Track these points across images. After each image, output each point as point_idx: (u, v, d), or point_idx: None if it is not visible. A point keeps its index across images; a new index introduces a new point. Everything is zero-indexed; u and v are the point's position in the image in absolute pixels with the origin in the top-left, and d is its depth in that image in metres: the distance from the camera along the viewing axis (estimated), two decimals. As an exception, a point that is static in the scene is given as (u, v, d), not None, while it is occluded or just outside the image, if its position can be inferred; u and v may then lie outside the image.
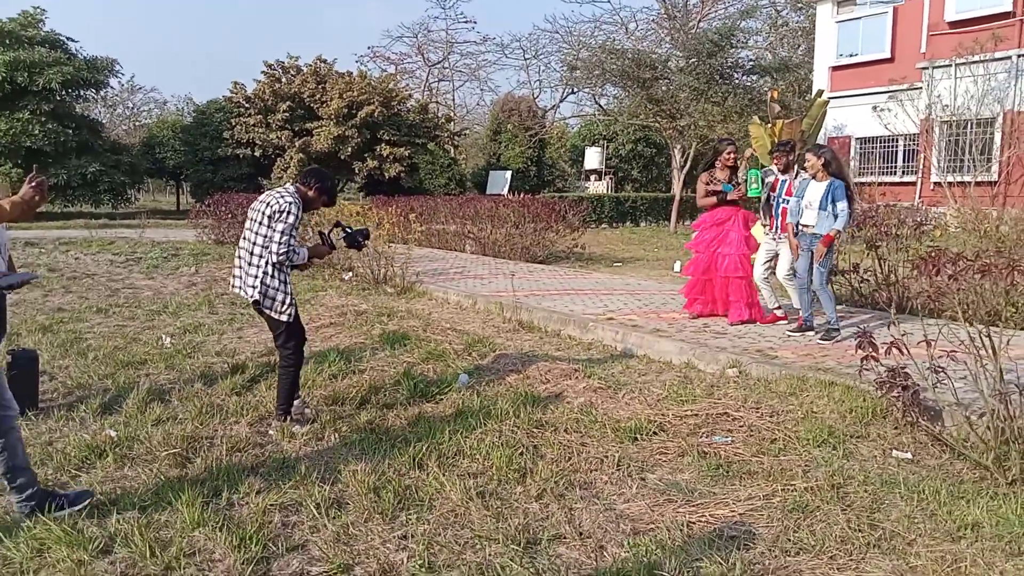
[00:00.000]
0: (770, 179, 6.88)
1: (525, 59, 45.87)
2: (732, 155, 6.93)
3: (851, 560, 2.86)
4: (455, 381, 5.33)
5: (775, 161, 6.81)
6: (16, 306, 8.53)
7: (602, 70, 23.28)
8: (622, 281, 10.69)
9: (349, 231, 4.76)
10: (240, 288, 4.40)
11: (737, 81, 21.43)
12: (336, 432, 4.34)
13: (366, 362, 5.90)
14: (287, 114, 30.84)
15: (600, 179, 35.69)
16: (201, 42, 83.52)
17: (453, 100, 51.03)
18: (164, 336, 6.82)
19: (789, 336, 6.48)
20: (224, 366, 5.76)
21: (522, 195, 17.14)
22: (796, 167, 6.72)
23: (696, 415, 4.56)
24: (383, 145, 30.77)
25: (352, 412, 4.73)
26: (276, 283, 4.30)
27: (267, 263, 4.27)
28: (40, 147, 25.60)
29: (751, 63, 22.22)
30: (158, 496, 3.41)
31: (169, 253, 13.46)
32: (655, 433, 4.33)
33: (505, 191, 29.31)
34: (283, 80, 32.18)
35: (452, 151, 38.19)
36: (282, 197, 4.31)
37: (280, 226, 4.22)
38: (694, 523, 3.25)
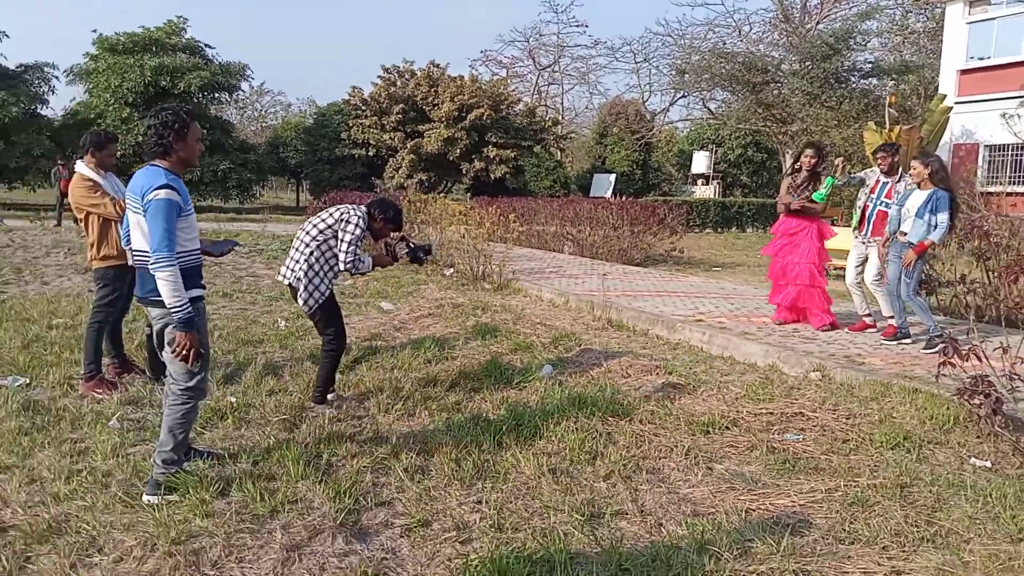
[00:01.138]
0: (871, 180, 6.78)
1: (635, 63, 45.71)
2: (811, 159, 6.88)
3: (902, 552, 2.95)
4: (540, 371, 5.62)
5: (879, 162, 6.70)
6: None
7: (711, 74, 22.99)
8: (717, 285, 10.67)
9: (412, 246, 5.11)
10: (284, 276, 4.74)
11: (853, 85, 20.64)
12: (427, 410, 4.73)
13: (458, 350, 6.29)
14: (400, 116, 32.12)
15: (707, 183, 35.15)
16: (324, 47, 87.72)
17: (562, 103, 51.43)
18: (280, 319, 7.47)
19: (882, 344, 6.39)
20: (331, 348, 6.29)
21: (623, 198, 17.29)
22: (900, 170, 6.60)
23: (771, 413, 4.66)
24: (490, 147, 31.51)
25: (443, 394, 5.10)
26: (312, 275, 4.61)
27: (312, 256, 4.61)
28: (178, 146, 27.80)
29: (869, 65, 21.32)
30: (268, 453, 3.88)
31: (287, 246, 14.45)
32: (727, 428, 4.47)
33: (608, 194, 29.39)
34: (398, 84, 33.53)
35: (558, 154, 38.59)
36: (352, 212, 4.68)
37: (347, 236, 4.58)
38: (753, 510, 3.40)
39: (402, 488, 3.54)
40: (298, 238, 4.75)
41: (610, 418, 4.60)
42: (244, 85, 33.37)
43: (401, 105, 32.17)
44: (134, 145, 27.27)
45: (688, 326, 7.13)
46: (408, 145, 31.62)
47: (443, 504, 3.38)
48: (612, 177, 32.73)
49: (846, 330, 6.94)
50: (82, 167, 4.94)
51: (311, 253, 4.61)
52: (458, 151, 31.24)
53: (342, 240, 4.61)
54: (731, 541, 3.00)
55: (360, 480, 3.58)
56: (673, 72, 27.87)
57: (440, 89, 32.02)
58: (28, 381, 5.10)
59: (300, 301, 4.63)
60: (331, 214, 4.70)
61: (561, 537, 3.07)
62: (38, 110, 29.55)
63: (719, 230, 25.76)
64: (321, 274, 4.64)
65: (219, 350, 6.18)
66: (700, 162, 35.45)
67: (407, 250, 5.08)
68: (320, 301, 4.64)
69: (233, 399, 4.81)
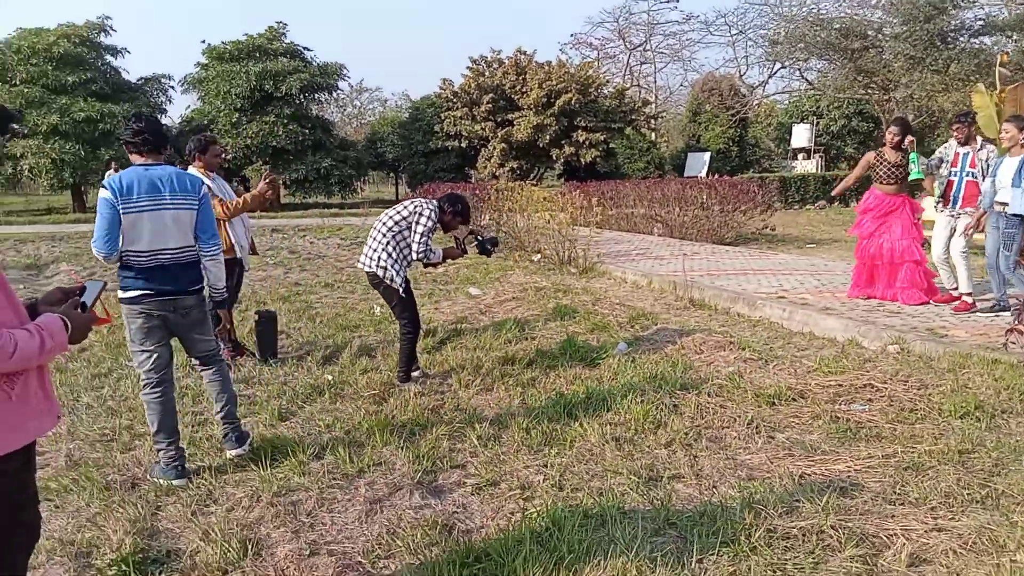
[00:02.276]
0: (949, 155, 6.60)
1: (731, 35, 44.27)
2: (895, 136, 6.74)
3: (950, 512, 3.03)
4: (614, 349, 5.84)
5: (956, 133, 6.52)
6: (263, 280, 10.29)
7: (805, 43, 22.15)
8: (807, 262, 10.49)
9: (480, 239, 5.49)
10: (363, 264, 5.15)
11: (962, 45, 19.41)
12: (504, 385, 5.06)
13: (538, 331, 6.59)
14: (490, 106, 32.57)
15: (809, 157, 33.87)
16: (418, 42, 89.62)
17: (654, 82, 50.54)
18: (375, 306, 7.99)
19: (970, 316, 6.24)
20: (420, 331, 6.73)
21: (717, 176, 17.04)
22: (979, 139, 6.40)
23: (840, 385, 4.71)
24: (579, 131, 31.52)
25: (520, 371, 5.42)
26: (391, 262, 5.00)
27: (388, 246, 4.99)
28: (283, 146, 29.37)
29: (980, 23, 19.95)
30: (359, 424, 4.31)
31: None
32: (794, 399, 4.57)
33: (703, 173, 28.87)
34: (486, 74, 33.97)
35: (651, 134, 38.11)
36: (425, 205, 5.07)
37: (420, 228, 4.97)
38: (808, 475, 3.54)
39: (475, 453, 3.88)
40: (375, 229, 5.14)
41: (678, 391, 4.78)
42: (342, 84, 34.65)
43: (490, 95, 32.63)
44: (244, 147, 28.98)
45: (769, 303, 7.15)
46: (499, 134, 32.07)
47: (511, 467, 3.69)
48: (706, 156, 32.07)
49: (932, 302, 6.79)
50: (192, 171, 5.52)
51: (388, 243, 5.01)
52: (548, 137, 31.42)
53: (415, 232, 5.00)
54: (778, 500, 3.17)
55: (438, 446, 3.94)
56: (767, 43, 26.89)
57: (528, 76, 32.26)
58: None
59: (388, 281, 5.03)
60: (405, 207, 5.09)
61: (616, 496, 3.33)
62: (158, 119, 31.81)
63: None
64: (398, 262, 5.03)
65: (319, 334, 6.74)
66: (800, 135, 34.16)
67: (476, 242, 5.44)
68: (398, 287, 5.03)
69: (330, 377, 5.31)
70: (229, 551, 2.88)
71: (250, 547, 2.93)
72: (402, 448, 3.89)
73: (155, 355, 3.62)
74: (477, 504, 3.34)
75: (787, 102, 40.53)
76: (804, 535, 2.90)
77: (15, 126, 3.41)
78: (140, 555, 2.86)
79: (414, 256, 5.07)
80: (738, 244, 13.73)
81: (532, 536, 2.89)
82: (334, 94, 36.34)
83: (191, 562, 2.86)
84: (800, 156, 34.47)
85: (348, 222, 20.75)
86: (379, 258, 5.01)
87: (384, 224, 5.09)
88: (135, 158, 3.59)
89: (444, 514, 3.20)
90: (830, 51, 21.85)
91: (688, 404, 4.54)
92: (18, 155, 26.20)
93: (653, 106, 42.68)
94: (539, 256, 11.32)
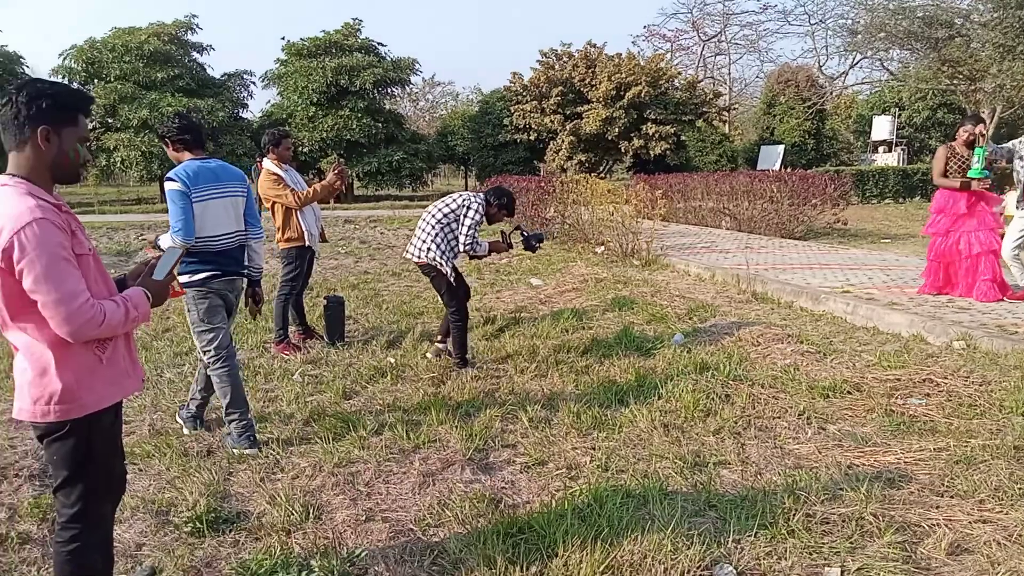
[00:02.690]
0: (1022, 149, 6.36)
1: (810, 25, 42.93)
2: (969, 134, 6.52)
3: (999, 505, 3.01)
4: (670, 339, 5.89)
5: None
6: (335, 269, 10.69)
7: (886, 32, 21.34)
8: (879, 257, 10.23)
9: (526, 235, 5.60)
10: (411, 254, 5.32)
11: (1060, 32, 18.32)
12: (558, 372, 5.19)
13: (595, 321, 6.69)
14: (559, 99, 32.57)
15: (890, 150, 32.63)
16: (489, 35, 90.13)
17: (729, 74, 49.50)
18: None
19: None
20: (480, 318, 6.91)
21: (790, 170, 16.69)
22: None
23: (898, 379, 4.65)
24: (649, 124, 31.22)
25: (575, 358, 5.53)
26: (439, 253, 5.16)
27: (437, 237, 5.16)
28: (356, 140, 30.11)
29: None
30: (417, 404, 4.52)
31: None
32: (849, 392, 4.54)
33: (776, 166, 28.18)
34: (555, 67, 33.97)
35: (724, 127, 37.38)
36: (472, 198, 5.23)
37: (468, 220, 5.13)
38: (856, 465, 3.55)
39: (526, 434, 4.02)
40: (423, 220, 5.31)
41: (731, 381, 4.81)
42: (414, 79, 35.23)
43: (559, 88, 32.63)
44: (319, 141, 29.85)
45: (833, 297, 7.04)
46: (567, 127, 32.07)
47: (559, 448, 3.82)
48: (780, 149, 31.28)
49: (1004, 298, 6.56)
50: (268, 163, 5.83)
51: (436, 235, 5.18)
52: (616, 130, 31.24)
53: (463, 224, 5.17)
54: (821, 487, 3.20)
55: (490, 426, 4.11)
56: (846, 33, 25.97)
57: (597, 69, 32.11)
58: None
59: (438, 267, 5.19)
60: (453, 199, 5.25)
61: (660, 478, 3.42)
62: (240, 114, 33.10)
63: (900, 200, 24.01)
64: (445, 253, 5.20)
65: (384, 320, 7.01)
66: (881, 128, 32.94)
67: (521, 237, 5.57)
68: (446, 272, 5.19)
69: (392, 360, 5.54)
70: (292, 514, 3.11)
71: (311, 511, 3.16)
72: (456, 427, 4.07)
73: (221, 332, 3.91)
74: (525, 481, 3.48)
75: (868, 93, 39.10)
76: (844, 521, 2.93)
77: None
78: (212, 514, 3.12)
79: (461, 248, 5.23)
80: (807, 238, 13.44)
81: (574, 511, 3.02)
82: (406, 88, 36.98)
83: (258, 522, 3.10)
84: (881, 149, 33.25)
85: (417, 214, 21.14)
86: (427, 249, 5.19)
87: (432, 216, 5.26)
88: (184, 155, 3.91)
89: (492, 489, 3.36)
90: (913, 40, 20.96)
91: (740, 394, 4.57)
92: (111, 148, 27.69)
93: (726, 98, 41.80)
94: (602, 248, 11.37)
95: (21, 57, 31.51)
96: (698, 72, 44.27)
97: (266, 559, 2.72)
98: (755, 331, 6.00)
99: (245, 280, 4.16)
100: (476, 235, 5.24)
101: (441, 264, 5.17)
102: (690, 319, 6.63)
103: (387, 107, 34.07)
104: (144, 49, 28.93)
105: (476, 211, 5.20)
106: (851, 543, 2.77)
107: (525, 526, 2.94)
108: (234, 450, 3.84)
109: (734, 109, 40.84)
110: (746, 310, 7.08)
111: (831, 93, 36.55)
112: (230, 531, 3.05)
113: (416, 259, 5.30)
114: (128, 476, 3.00)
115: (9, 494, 3.40)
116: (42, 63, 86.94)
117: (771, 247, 11.69)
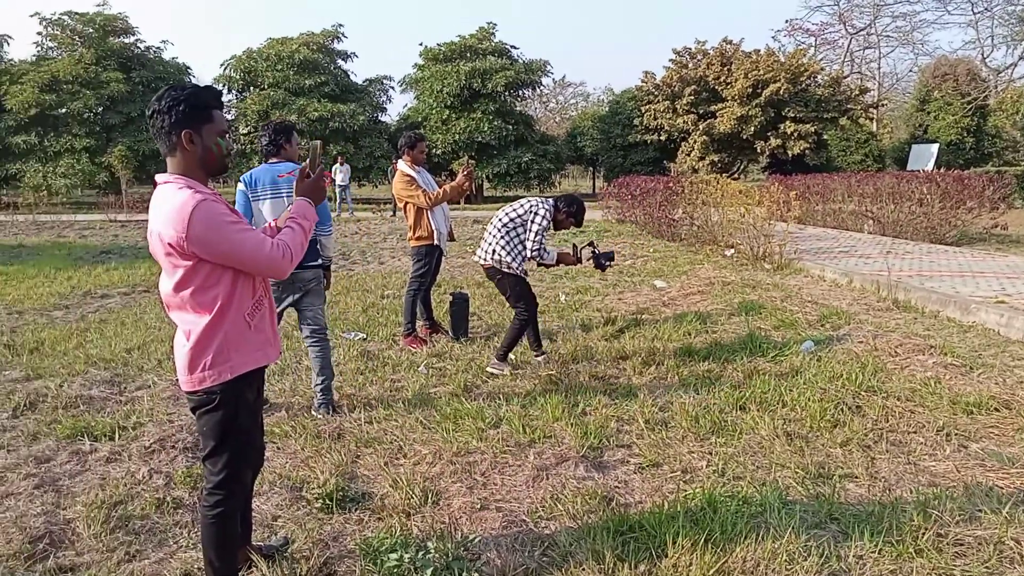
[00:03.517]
0: None
1: (973, 14, 39.52)
2: None
3: None
4: (799, 346, 5.66)
5: None
6: (462, 267, 11.02)
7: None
8: (1044, 265, 9.33)
9: (596, 252, 5.54)
10: (479, 258, 5.36)
11: None
12: (677, 374, 5.12)
13: (719, 325, 6.53)
14: (692, 98, 31.86)
15: (1065, 149, 29.60)
16: (623, 35, 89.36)
17: (878, 69, 46.54)
18: (561, 294, 8.32)
19: None
20: (601, 319, 6.93)
21: (944, 170, 15.53)
22: None
23: (1056, 399, 4.26)
24: (787, 123, 29.93)
25: (696, 362, 5.44)
26: (509, 257, 5.18)
27: (504, 240, 5.18)
28: (487, 141, 30.79)
29: None
30: (534, 399, 4.61)
31: (578, 230, 15.48)
32: (996, 410, 4.21)
33: (929, 167, 26.23)
34: (689, 65, 33.23)
35: (871, 124, 35.22)
36: (540, 204, 5.22)
37: (535, 227, 5.13)
38: (999, 486, 3.30)
39: (641, 435, 4.01)
40: (492, 224, 5.36)
41: (863, 393, 4.58)
42: (545, 80, 35.54)
43: (693, 87, 31.89)
44: (452, 143, 30.74)
45: (985, 307, 6.52)
46: (700, 127, 31.29)
47: (675, 451, 3.79)
48: (934, 148, 29.05)
49: None
50: (402, 165, 6.11)
51: (503, 239, 5.22)
52: (752, 129, 30.14)
53: (530, 230, 5.20)
54: (957, 507, 3.00)
55: (606, 425, 4.13)
56: (1015, 21, 23.75)
57: (733, 67, 31.12)
58: (365, 336, 6.48)
59: (504, 269, 5.23)
60: (521, 205, 5.27)
61: (780, 486, 3.32)
62: (379, 117, 34.70)
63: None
64: (515, 252, 5.23)
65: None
66: (1054, 123, 29.95)
67: (591, 255, 5.52)
68: (515, 270, 5.23)
69: (512, 356, 5.66)
70: (412, 497, 3.28)
71: (430, 496, 3.32)
72: (571, 424, 4.12)
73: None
74: (638, 482, 3.49)
75: (1041, 86, 35.58)
76: (980, 544, 2.74)
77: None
78: (340, 493, 3.34)
79: (528, 253, 5.24)
80: (960, 244, 12.45)
81: (686, 514, 3.00)
82: (537, 90, 37.39)
83: (381, 503, 3.29)
84: (1054, 147, 30.22)
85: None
86: (492, 251, 5.23)
87: (500, 220, 5.29)
88: (270, 160, 4.48)
89: (605, 487, 3.39)
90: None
91: (873, 406, 4.35)
92: (263, 151, 29.79)
93: (874, 94, 39.31)
94: (731, 251, 11.05)
95: (188, 68, 34.53)
96: (844, 67, 41.94)
97: (387, 538, 2.89)
98: (893, 341, 5.66)
99: (315, 272, 4.50)
100: (543, 241, 5.24)
101: (509, 265, 5.20)
102: (822, 326, 6.34)
103: (517, 109, 34.58)
104: (295, 58, 30.92)
105: (544, 217, 5.19)
106: (987, 568, 2.59)
107: (636, 525, 2.95)
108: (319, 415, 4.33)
109: (883, 106, 38.29)
110: (885, 319, 6.68)
111: (995, 87, 33.56)
112: (355, 509, 3.25)
113: (483, 262, 5.35)
114: (267, 453, 3.28)
115: (167, 463, 3.78)
116: (206, 72, 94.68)
117: (917, 253, 10.93)
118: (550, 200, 5.38)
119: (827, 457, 3.70)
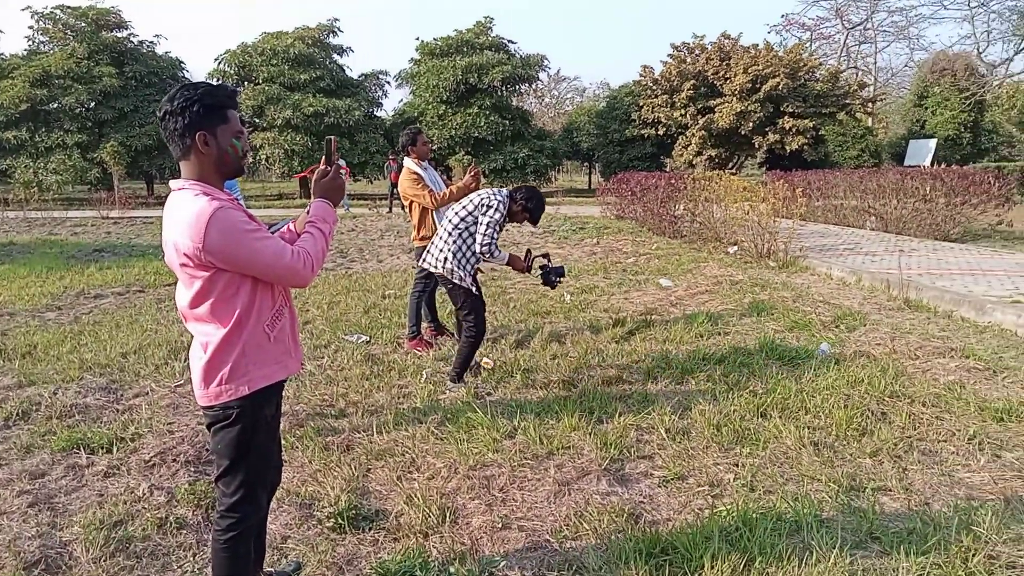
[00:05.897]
0: None
1: (970, 8, 39.37)
2: None
3: None
4: (816, 349, 5.52)
5: None
6: (463, 265, 10.82)
7: (1063, 12, 19.21)
8: (1053, 263, 9.22)
9: (548, 267, 5.15)
10: (428, 264, 4.92)
11: None
12: (694, 380, 4.97)
13: (731, 326, 6.38)
14: (691, 93, 31.71)
15: (1062, 144, 29.58)
16: (619, 29, 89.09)
17: (875, 63, 46.47)
18: (566, 294, 8.15)
19: None
20: (608, 320, 6.77)
21: (944, 166, 15.40)
22: None
23: (1089, 406, 4.13)
24: (786, 118, 29.83)
25: (712, 366, 5.28)
26: (460, 270, 4.74)
27: (455, 243, 4.75)
28: (484, 137, 30.60)
29: None
30: (549, 407, 4.45)
31: (577, 227, 15.35)
32: (1028, 417, 4.07)
33: (927, 162, 26.21)
34: (688, 60, 33.07)
35: (867, 120, 35.13)
36: (493, 196, 4.76)
37: (486, 220, 4.69)
38: (1042, 502, 3.15)
39: (663, 446, 3.86)
40: (443, 226, 4.92)
41: (887, 399, 4.44)
42: (542, 75, 35.34)
43: (691, 81, 31.73)
44: (448, 138, 30.52)
45: (1001, 307, 6.39)
46: (699, 122, 31.14)
47: (700, 463, 3.64)
48: (932, 143, 29.01)
49: None
50: (409, 162, 5.93)
51: (454, 240, 4.79)
52: (751, 124, 30.00)
53: (481, 223, 4.72)
54: (1003, 524, 2.86)
55: (626, 435, 3.97)
56: (1015, 16, 23.65)
57: (732, 62, 30.96)
58: (368, 339, 6.31)
59: (456, 280, 4.80)
60: (471, 200, 4.85)
61: (813, 503, 3.17)
62: (374, 113, 34.44)
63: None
64: (464, 259, 4.80)
65: (512, 319, 7.00)
66: (1051, 119, 29.91)
67: (540, 271, 5.18)
68: (468, 286, 4.83)
69: (522, 362, 5.50)
70: (429, 516, 3.11)
71: (448, 514, 3.15)
72: (590, 434, 3.96)
73: None
74: (664, 496, 3.33)
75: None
76: (1035, 568, 2.60)
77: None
78: (353, 511, 3.17)
79: (477, 248, 4.76)
80: (965, 241, 12.35)
81: (721, 534, 2.84)
82: (533, 85, 37.20)
83: (396, 522, 3.12)
84: (1050, 142, 30.19)
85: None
86: (444, 259, 4.80)
87: (451, 222, 4.85)
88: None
89: (631, 503, 3.23)
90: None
91: (899, 413, 4.20)
92: (257, 146, 29.51)
93: (871, 89, 39.22)
94: (735, 248, 10.91)
95: (182, 62, 34.19)
96: (840, 62, 41.83)
97: (405, 561, 2.73)
98: (912, 343, 5.53)
99: None
100: (495, 237, 4.77)
101: (461, 275, 4.78)
102: (836, 328, 6.20)
103: (514, 104, 34.39)
104: (290, 52, 30.62)
105: (496, 209, 4.74)
106: (1046, 595, 2.45)
107: (668, 546, 2.80)
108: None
109: (879, 101, 38.20)
110: (899, 319, 6.55)
111: (992, 82, 33.50)
112: (369, 529, 3.09)
113: (433, 268, 4.92)
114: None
115: (168, 478, 3.60)
116: (200, 67, 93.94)
117: (923, 250, 10.81)
118: (503, 191, 4.92)
119: (857, 468, 3.56)
